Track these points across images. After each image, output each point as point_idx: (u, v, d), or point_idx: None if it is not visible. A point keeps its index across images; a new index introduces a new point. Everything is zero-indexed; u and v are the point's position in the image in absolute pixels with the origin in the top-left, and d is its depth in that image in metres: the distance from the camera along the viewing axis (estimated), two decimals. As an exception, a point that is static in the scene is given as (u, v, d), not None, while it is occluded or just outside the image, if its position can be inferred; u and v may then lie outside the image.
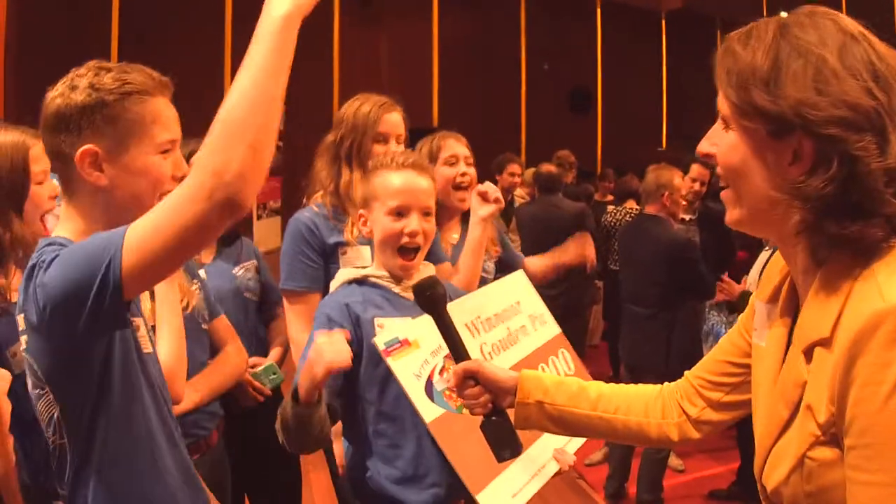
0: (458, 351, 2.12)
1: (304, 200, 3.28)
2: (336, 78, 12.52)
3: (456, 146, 3.81)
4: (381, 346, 2.36)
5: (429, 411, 2.37)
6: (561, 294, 6.82)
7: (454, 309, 2.56)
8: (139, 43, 9.07)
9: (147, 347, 2.04)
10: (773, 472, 1.47)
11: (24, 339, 1.91)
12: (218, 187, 1.59)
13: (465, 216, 3.86)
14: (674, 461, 6.28)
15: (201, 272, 3.30)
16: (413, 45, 13.86)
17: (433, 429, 2.35)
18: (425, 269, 2.67)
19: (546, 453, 2.62)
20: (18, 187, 2.55)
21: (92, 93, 1.90)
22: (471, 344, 2.48)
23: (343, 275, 2.69)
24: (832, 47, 1.40)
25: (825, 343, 1.37)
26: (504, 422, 2.07)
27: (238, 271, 3.56)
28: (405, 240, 2.56)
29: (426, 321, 2.44)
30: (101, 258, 1.68)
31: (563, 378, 2.10)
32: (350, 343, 2.27)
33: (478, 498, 2.34)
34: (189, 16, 10.31)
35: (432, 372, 2.43)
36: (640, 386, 2.08)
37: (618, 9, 16.36)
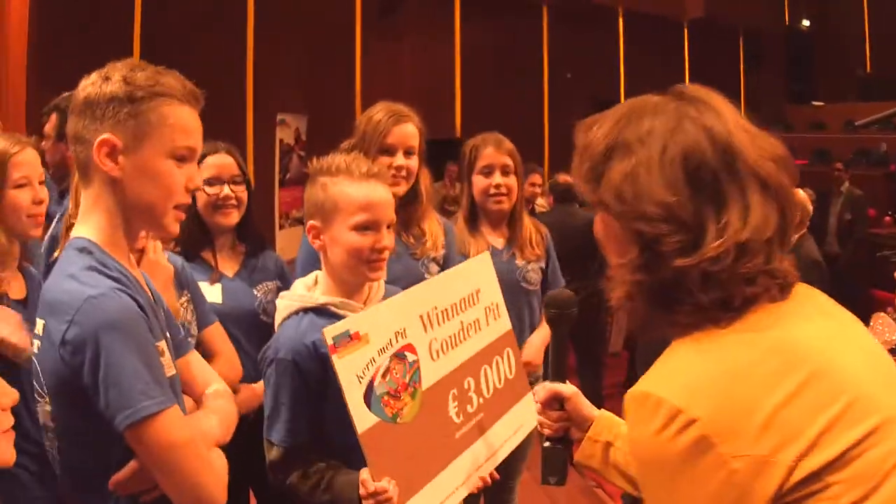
0: (560, 371, 2.13)
1: None
2: (358, 89, 12.55)
3: (493, 156, 3.85)
4: (329, 340, 2.20)
5: (363, 420, 2.24)
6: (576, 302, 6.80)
7: (415, 295, 2.53)
8: (161, 47, 9.11)
9: (169, 370, 1.99)
10: None
11: (36, 343, 1.92)
12: None
13: (511, 220, 3.92)
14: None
15: (217, 287, 3.25)
16: (435, 55, 13.87)
17: (364, 440, 2.23)
18: (380, 287, 2.63)
19: (465, 472, 2.54)
20: None
21: (123, 86, 1.91)
22: (421, 339, 2.46)
23: (293, 302, 2.56)
24: (658, 140, 1.44)
25: None
26: (565, 451, 2.09)
27: (258, 291, 3.36)
28: (374, 256, 2.48)
29: (379, 311, 2.40)
30: (136, 392, 1.80)
31: None
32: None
33: None
34: (211, 19, 10.35)
35: (376, 373, 2.30)
36: None
37: (640, 18, 16.32)
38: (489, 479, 2.64)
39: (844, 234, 10.28)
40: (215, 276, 3.27)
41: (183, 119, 1.97)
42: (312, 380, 2.42)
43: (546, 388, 2.09)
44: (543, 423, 2.10)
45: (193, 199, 3.22)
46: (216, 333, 3.03)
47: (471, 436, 2.58)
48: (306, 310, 2.51)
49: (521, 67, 14.90)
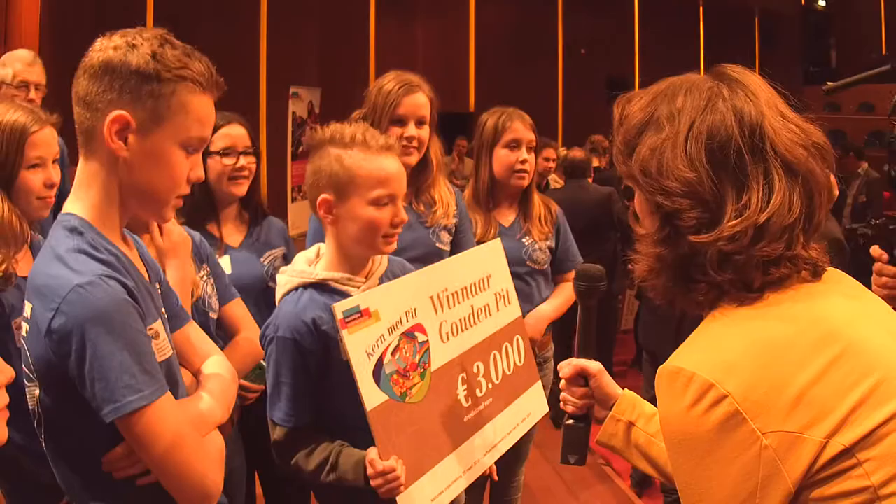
0: (588, 346, 2.11)
1: None
2: (372, 62, 12.53)
3: (521, 130, 3.78)
4: (339, 315, 2.16)
5: (372, 397, 2.21)
6: (605, 276, 6.81)
7: (426, 276, 2.51)
8: (174, 20, 9.10)
9: (164, 353, 1.93)
10: None
11: (24, 325, 1.83)
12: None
13: (524, 198, 3.87)
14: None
15: (226, 258, 3.23)
16: (450, 29, 13.86)
17: (371, 418, 2.21)
18: (383, 261, 2.58)
19: (472, 456, 2.52)
20: (7, 169, 2.56)
21: (151, 62, 1.78)
22: (431, 320, 2.44)
23: (294, 277, 2.51)
24: (687, 117, 1.47)
25: None
26: (587, 430, 2.08)
27: (265, 260, 3.35)
28: (391, 231, 2.43)
29: (389, 289, 2.37)
30: (122, 386, 1.72)
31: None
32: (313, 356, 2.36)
33: (397, 498, 2.26)
34: (224, 1, 10.34)
35: (385, 351, 2.26)
36: None
37: (655, -4, 16.28)
38: (493, 474, 2.65)
39: (858, 215, 10.26)
40: (221, 247, 3.26)
41: (202, 110, 1.87)
42: (313, 358, 2.38)
43: (572, 364, 2.07)
44: (567, 399, 2.08)
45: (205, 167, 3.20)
46: (238, 310, 3.00)
47: (479, 420, 2.57)
48: (306, 286, 2.46)
49: (536, 44, 14.88)
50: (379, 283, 2.50)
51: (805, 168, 1.45)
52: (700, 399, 1.33)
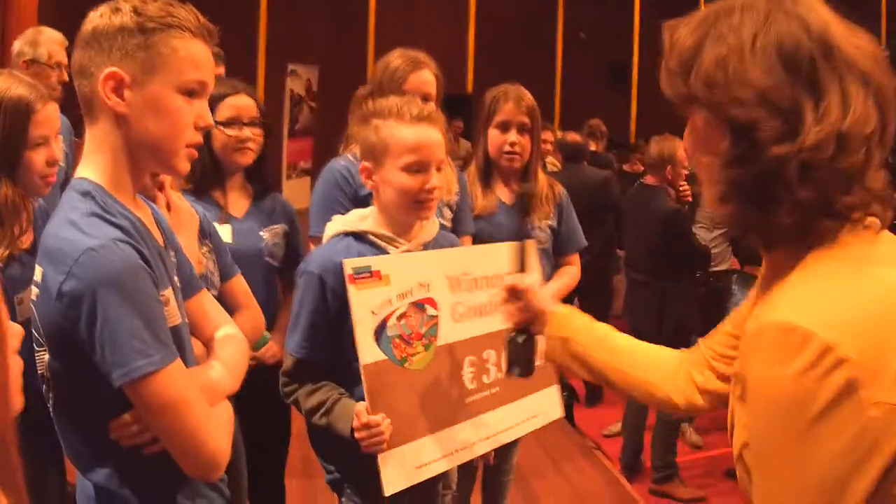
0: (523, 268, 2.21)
1: (341, 150, 3.27)
2: (371, 42, 12.52)
3: (511, 112, 3.74)
4: (348, 271, 2.30)
5: (368, 354, 2.32)
6: (584, 266, 6.85)
7: (447, 256, 2.62)
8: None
9: (174, 320, 1.91)
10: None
11: (34, 290, 1.83)
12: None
13: (525, 177, 3.82)
14: (693, 437, 6.27)
15: (227, 227, 3.23)
16: (450, 9, 13.83)
17: (365, 372, 2.30)
18: (431, 226, 2.65)
19: (467, 438, 2.56)
20: (11, 150, 2.54)
21: (133, 17, 1.80)
22: (444, 297, 2.53)
23: (339, 224, 2.62)
24: (749, 28, 1.36)
25: None
26: (526, 344, 2.15)
27: (265, 234, 3.36)
28: (423, 196, 2.51)
29: (405, 259, 2.48)
30: (132, 351, 1.72)
31: (593, 322, 2.10)
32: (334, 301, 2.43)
33: (379, 456, 2.32)
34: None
35: (390, 314, 2.38)
36: (661, 348, 2.07)
37: (657, -19, 16.25)
38: (489, 459, 2.68)
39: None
40: (224, 215, 3.27)
41: (194, 52, 1.86)
42: (335, 299, 2.46)
43: (505, 282, 2.17)
44: (506, 315, 2.18)
45: (209, 137, 3.14)
46: (239, 287, 2.98)
47: (482, 405, 2.60)
48: (348, 233, 2.58)
49: (537, 27, 14.85)
50: (423, 249, 2.61)
51: (877, 79, 1.35)
52: (817, 362, 1.18)
